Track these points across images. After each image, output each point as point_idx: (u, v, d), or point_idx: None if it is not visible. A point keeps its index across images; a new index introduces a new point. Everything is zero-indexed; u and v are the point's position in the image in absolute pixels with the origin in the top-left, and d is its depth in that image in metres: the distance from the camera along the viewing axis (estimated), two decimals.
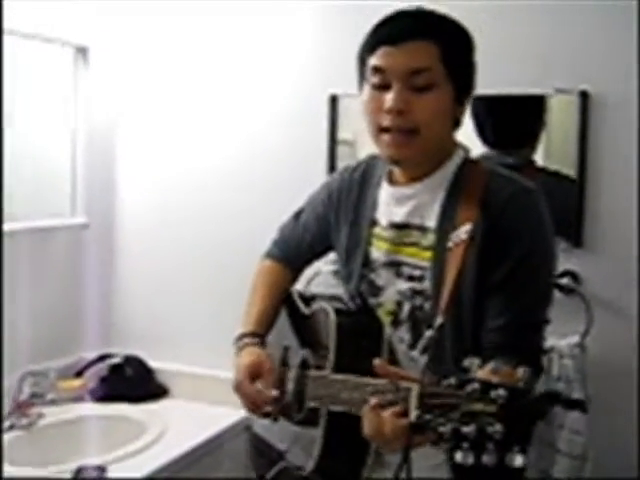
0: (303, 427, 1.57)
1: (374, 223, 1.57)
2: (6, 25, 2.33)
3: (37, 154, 2.59)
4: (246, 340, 1.67)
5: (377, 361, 1.26)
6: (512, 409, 1.01)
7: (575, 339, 2.08)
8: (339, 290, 1.79)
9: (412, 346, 1.50)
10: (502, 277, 1.38)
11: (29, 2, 2.40)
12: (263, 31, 2.56)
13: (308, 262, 1.86)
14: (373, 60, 1.42)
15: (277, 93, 2.55)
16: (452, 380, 1.08)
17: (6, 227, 2.39)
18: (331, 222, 1.69)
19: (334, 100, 2.43)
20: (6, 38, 2.37)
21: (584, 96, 2.13)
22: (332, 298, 1.69)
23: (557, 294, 2.06)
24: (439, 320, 1.35)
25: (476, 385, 1.05)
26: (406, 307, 1.51)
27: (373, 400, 1.24)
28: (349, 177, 1.67)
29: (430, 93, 1.39)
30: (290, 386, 1.62)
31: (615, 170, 2.15)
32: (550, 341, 2.00)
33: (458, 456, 1.02)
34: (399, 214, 1.52)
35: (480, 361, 1.10)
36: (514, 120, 2.30)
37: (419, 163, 1.48)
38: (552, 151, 2.23)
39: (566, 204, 2.15)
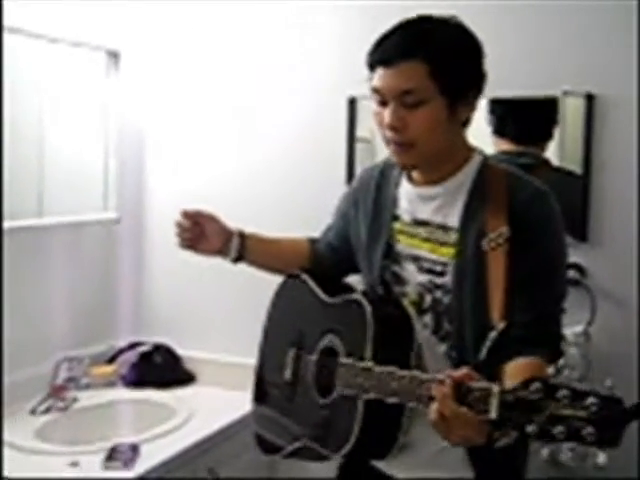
0: (325, 411, 1.62)
1: (395, 218, 1.66)
2: (39, 29, 2.43)
3: (71, 154, 2.67)
4: None
5: (463, 370, 1.31)
6: (606, 417, 1.10)
7: (580, 328, 2.16)
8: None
9: (435, 332, 1.59)
10: (526, 275, 1.47)
11: (62, 7, 2.48)
12: (284, 37, 2.64)
13: (330, 258, 1.90)
14: (373, 80, 1.51)
15: (298, 96, 2.63)
16: (538, 384, 1.16)
17: (44, 221, 2.52)
18: (351, 218, 1.79)
19: (352, 102, 2.52)
20: (38, 42, 2.46)
21: (589, 98, 2.22)
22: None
23: None
24: (501, 325, 1.43)
25: (566, 391, 1.13)
26: (428, 298, 1.59)
27: (446, 390, 1.28)
28: (367, 177, 1.77)
29: (421, 109, 1.46)
30: (291, 367, 1.72)
31: (618, 168, 2.22)
32: None
33: (545, 452, 1.12)
34: (423, 212, 1.61)
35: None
36: (532, 119, 2.38)
37: (428, 169, 1.57)
38: (564, 150, 2.30)
39: (572, 201, 2.21)
